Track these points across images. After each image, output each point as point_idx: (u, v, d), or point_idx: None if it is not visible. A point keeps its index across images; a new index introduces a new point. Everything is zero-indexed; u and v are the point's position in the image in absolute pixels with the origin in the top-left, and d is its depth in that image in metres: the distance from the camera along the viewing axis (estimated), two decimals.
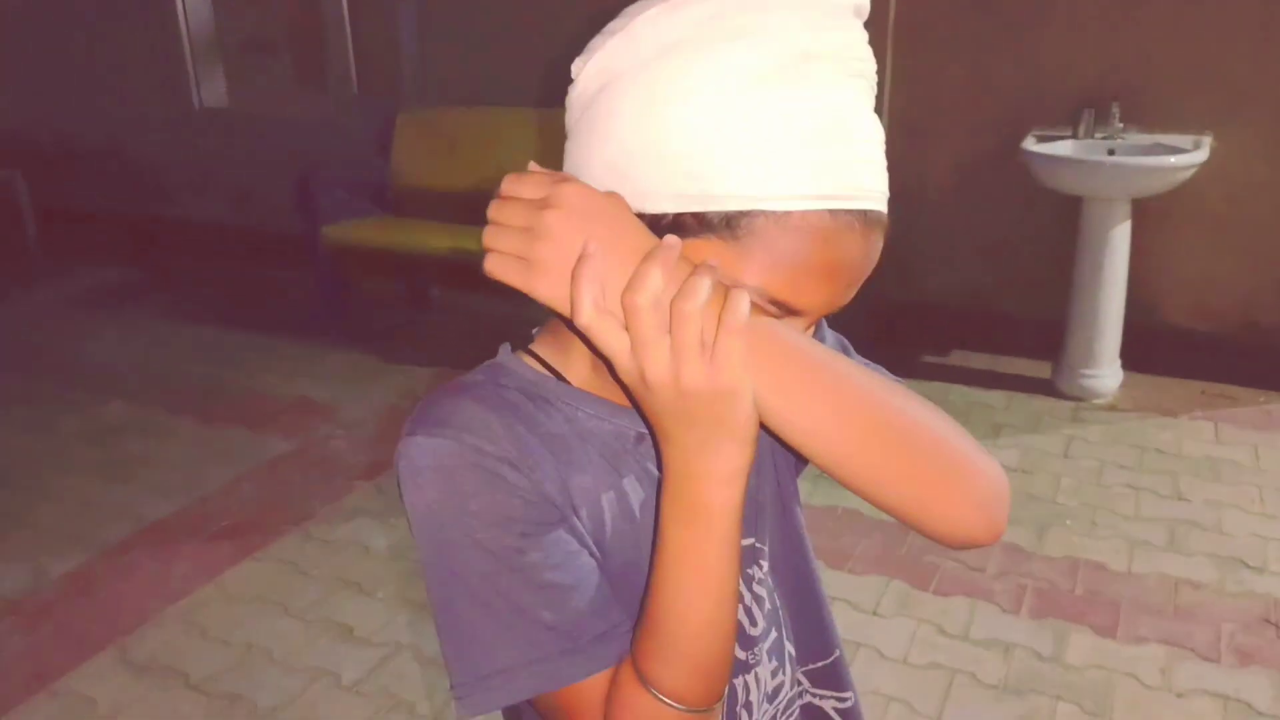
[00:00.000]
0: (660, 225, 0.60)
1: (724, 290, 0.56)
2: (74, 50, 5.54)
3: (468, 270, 3.51)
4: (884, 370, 0.78)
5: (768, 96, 0.58)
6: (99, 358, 4.17)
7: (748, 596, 0.77)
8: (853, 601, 2.36)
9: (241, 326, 4.39)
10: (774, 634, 0.81)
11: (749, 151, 0.58)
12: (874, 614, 2.32)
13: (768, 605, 0.80)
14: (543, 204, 0.57)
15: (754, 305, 0.59)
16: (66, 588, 2.54)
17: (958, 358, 3.71)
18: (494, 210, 0.60)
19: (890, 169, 0.63)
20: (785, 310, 0.62)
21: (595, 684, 0.64)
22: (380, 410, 3.54)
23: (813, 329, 0.68)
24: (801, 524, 0.85)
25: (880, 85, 0.65)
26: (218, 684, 2.18)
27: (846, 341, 0.85)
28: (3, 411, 3.67)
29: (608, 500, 0.69)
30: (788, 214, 0.58)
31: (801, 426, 0.59)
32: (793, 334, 0.60)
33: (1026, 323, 3.62)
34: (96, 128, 5.64)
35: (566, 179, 0.59)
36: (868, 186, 0.60)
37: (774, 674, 0.81)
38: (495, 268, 0.59)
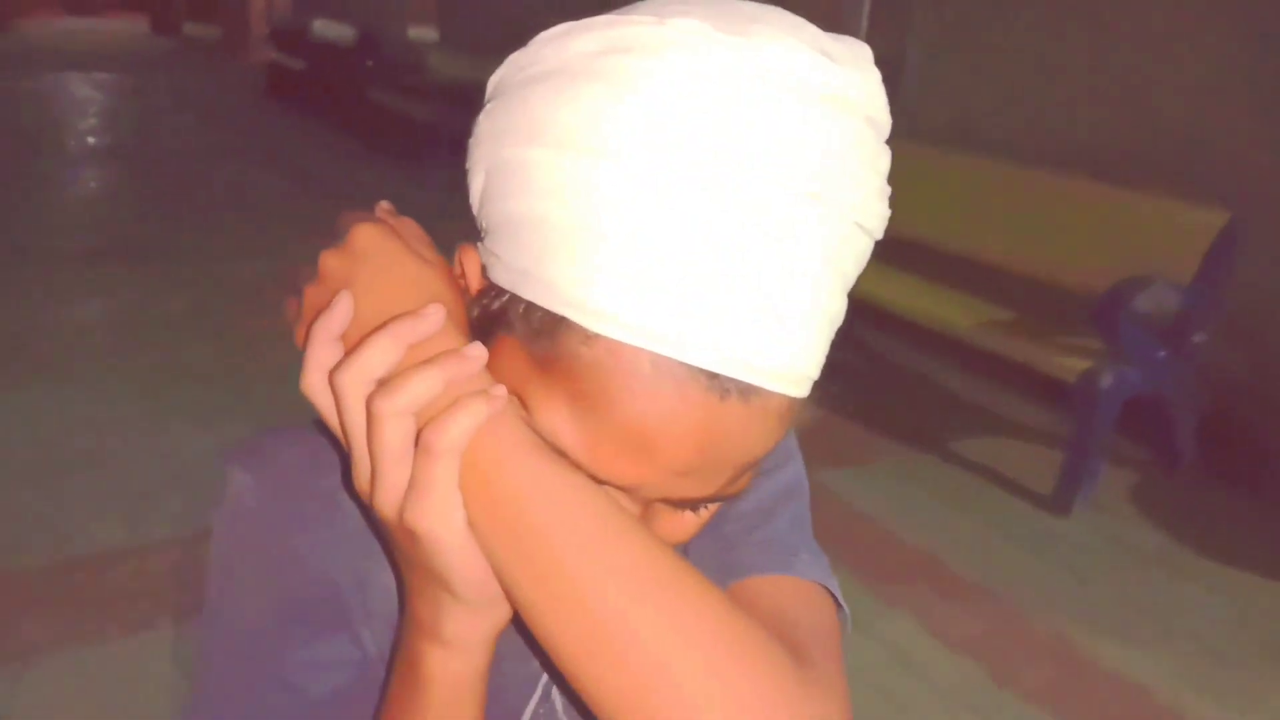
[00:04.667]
0: (489, 304, 0.46)
1: (475, 394, 0.41)
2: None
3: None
4: (754, 539, 0.57)
5: (627, 167, 0.40)
6: None
7: None
8: None
9: None
10: None
11: (581, 234, 0.41)
12: None
13: None
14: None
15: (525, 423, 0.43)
16: None
17: None
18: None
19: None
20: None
21: None
22: None
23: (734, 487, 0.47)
24: None
25: None
26: None
27: (799, 488, 0.63)
28: None
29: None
30: (596, 336, 0.41)
31: (514, 598, 0.42)
32: (545, 466, 0.41)
33: None
34: None
35: (377, 221, 0.48)
36: (740, 349, 0.40)
37: None
38: (288, 309, 0.49)
